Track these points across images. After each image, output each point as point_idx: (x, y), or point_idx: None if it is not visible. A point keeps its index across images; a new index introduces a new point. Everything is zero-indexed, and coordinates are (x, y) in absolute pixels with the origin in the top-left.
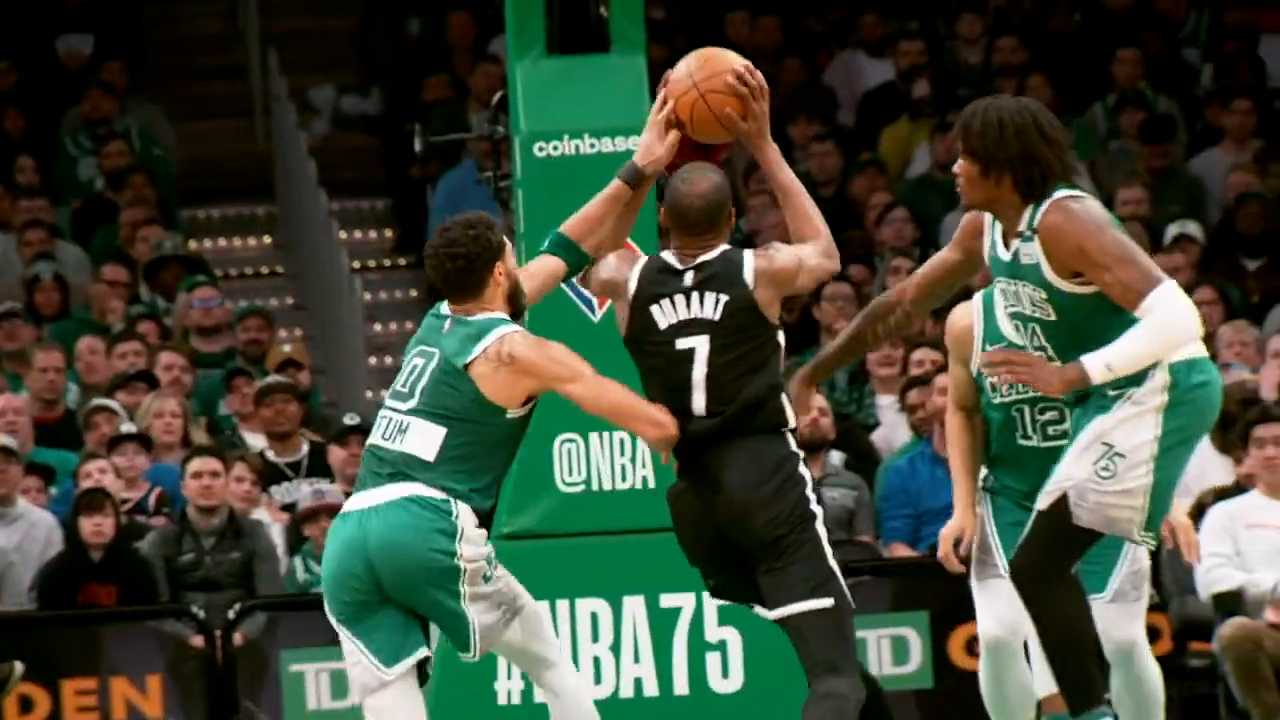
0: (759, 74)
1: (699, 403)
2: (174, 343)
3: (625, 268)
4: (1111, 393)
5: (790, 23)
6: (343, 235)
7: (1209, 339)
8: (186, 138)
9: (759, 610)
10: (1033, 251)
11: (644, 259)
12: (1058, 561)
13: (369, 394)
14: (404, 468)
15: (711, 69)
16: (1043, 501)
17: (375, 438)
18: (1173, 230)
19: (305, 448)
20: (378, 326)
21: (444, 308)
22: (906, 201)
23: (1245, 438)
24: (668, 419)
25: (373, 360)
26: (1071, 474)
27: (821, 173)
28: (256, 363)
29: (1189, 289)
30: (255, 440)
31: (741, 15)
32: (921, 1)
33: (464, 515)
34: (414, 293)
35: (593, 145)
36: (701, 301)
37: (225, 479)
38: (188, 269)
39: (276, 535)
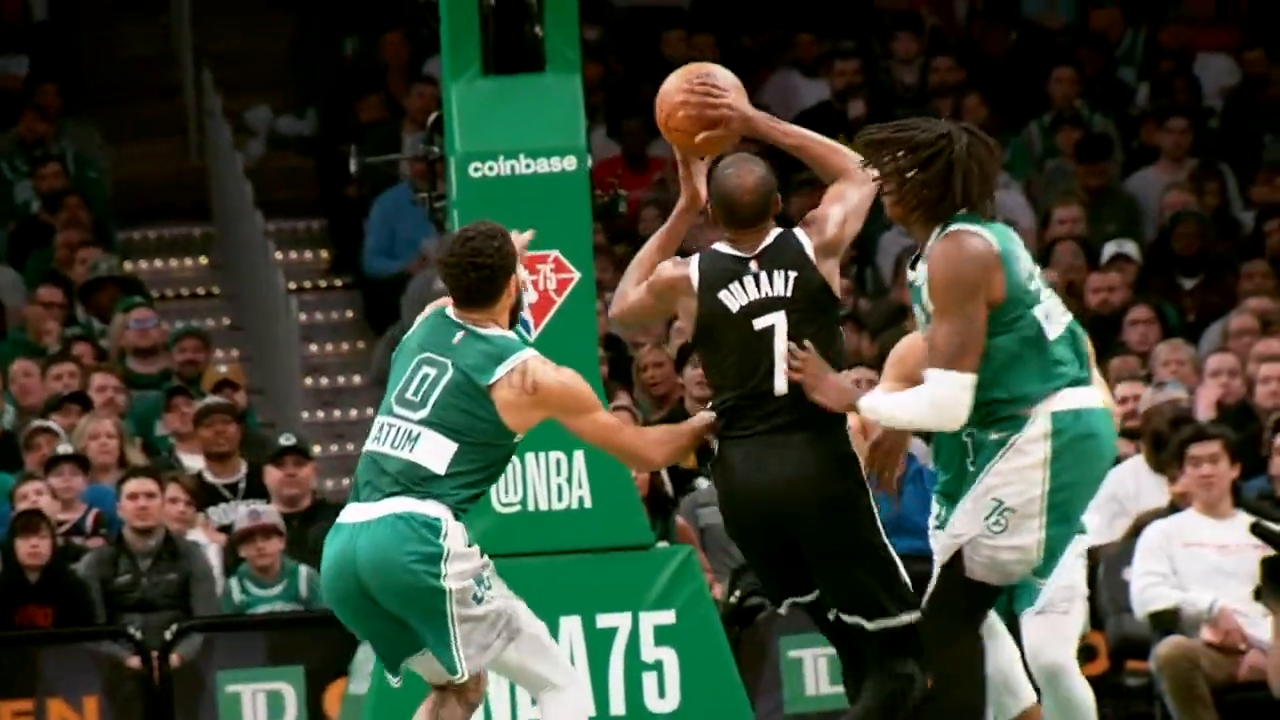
0: (699, 75)
1: (780, 384)
2: (108, 364)
3: (683, 266)
4: (994, 436)
5: (726, 42)
6: (278, 256)
7: (1145, 358)
8: (122, 159)
9: (798, 600)
10: (922, 276)
11: (697, 255)
12: (959, 616)
13: (305, 415)
14: (407, 479)
15: (664, 110)
16: (940, 556)
17: (380, 445)
18: (1109, 249)
19: (243, 469)
20: (314, 347)
21: (452, 313)
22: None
23: (1180, 456)
24: (674, 440)
25: (309, 381)
26: (964, 529)
27: None
28: (193, 383)
29: (1125, 308)
30: (193, 461)
31: (677, 34)
32: (857, 21)
33: (453, 535)
34: (350, 314)
35: (529, 166)
36: (771, 281)
37: (161, 500)
38: (124, 290)
39: (213, 556)
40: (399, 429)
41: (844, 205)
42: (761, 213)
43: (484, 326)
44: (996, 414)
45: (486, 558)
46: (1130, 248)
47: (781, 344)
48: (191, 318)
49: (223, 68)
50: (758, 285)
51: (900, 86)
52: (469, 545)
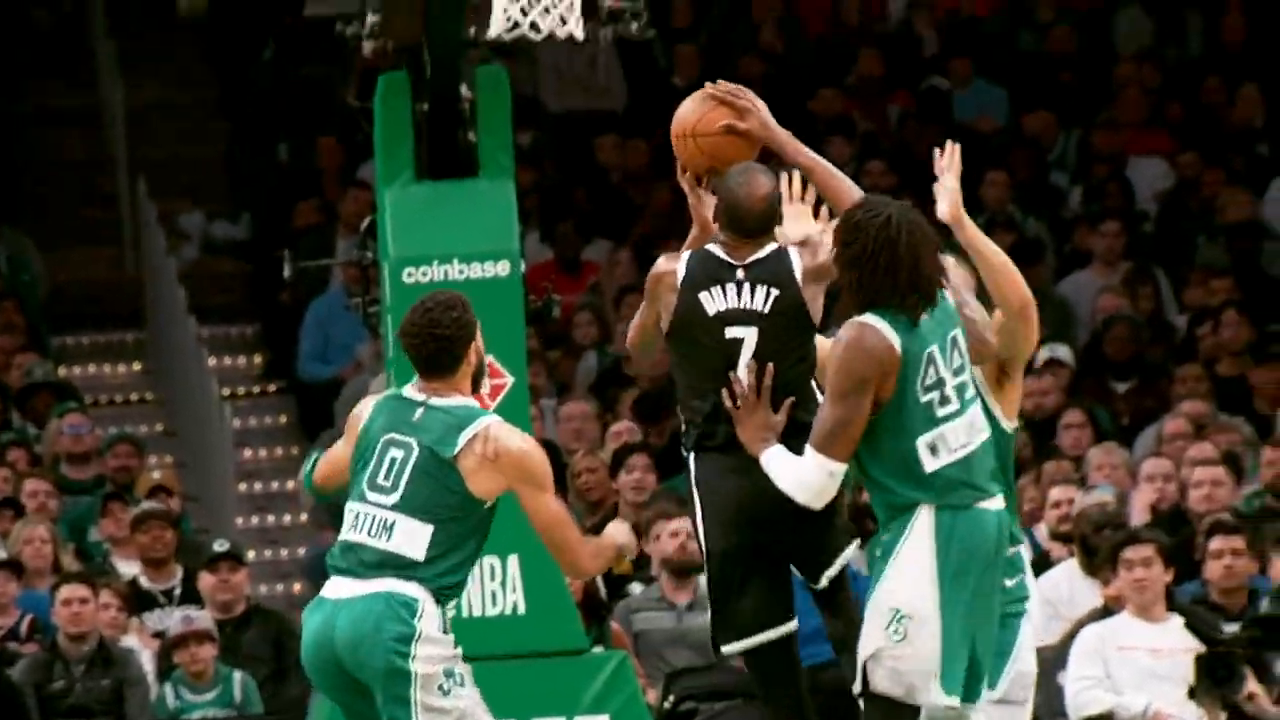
0: (723, 84)
1: (728, 400)
2: (41, 469)
3: (673, 261)
4: (884, 537)
5: (660, 147)
6: (212, 361)
7: (1079, 462)
8: (57, 264)
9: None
10: None
11: (689, 252)
12: None
13: (239, 520)
14: (389, 565)
15: (690, 118)
16: (855, 686)
17: (358, 534)
18: (1042, 354)
19: (179, 574)
20: (247, 452)
21: (409, 391)
22: None
23: (1114, 560)
24: (604, 555)
25: (242, 486)
26: (868, 645)
27: None
28: (127, 489)
29: (1058, 412)
30: (128, 567)
31: (611, 139)
32: (790, 125)
33: (428, 617)
34: (284, 419)
35: (462, 271)
36: (752, 294)
37: (95, 605)
38: (58, 396)
39: (147, 662)
40: (374, 517)
41: None
42: (767, 225)
43: (444, 396)
44: (887, 516)
45: (460, 650)
46: (1063, 352)
47: (745, 358)
48: (125, 423)
49: (157, 173)
50: (739, 294)
51: None
52: (444, 632)
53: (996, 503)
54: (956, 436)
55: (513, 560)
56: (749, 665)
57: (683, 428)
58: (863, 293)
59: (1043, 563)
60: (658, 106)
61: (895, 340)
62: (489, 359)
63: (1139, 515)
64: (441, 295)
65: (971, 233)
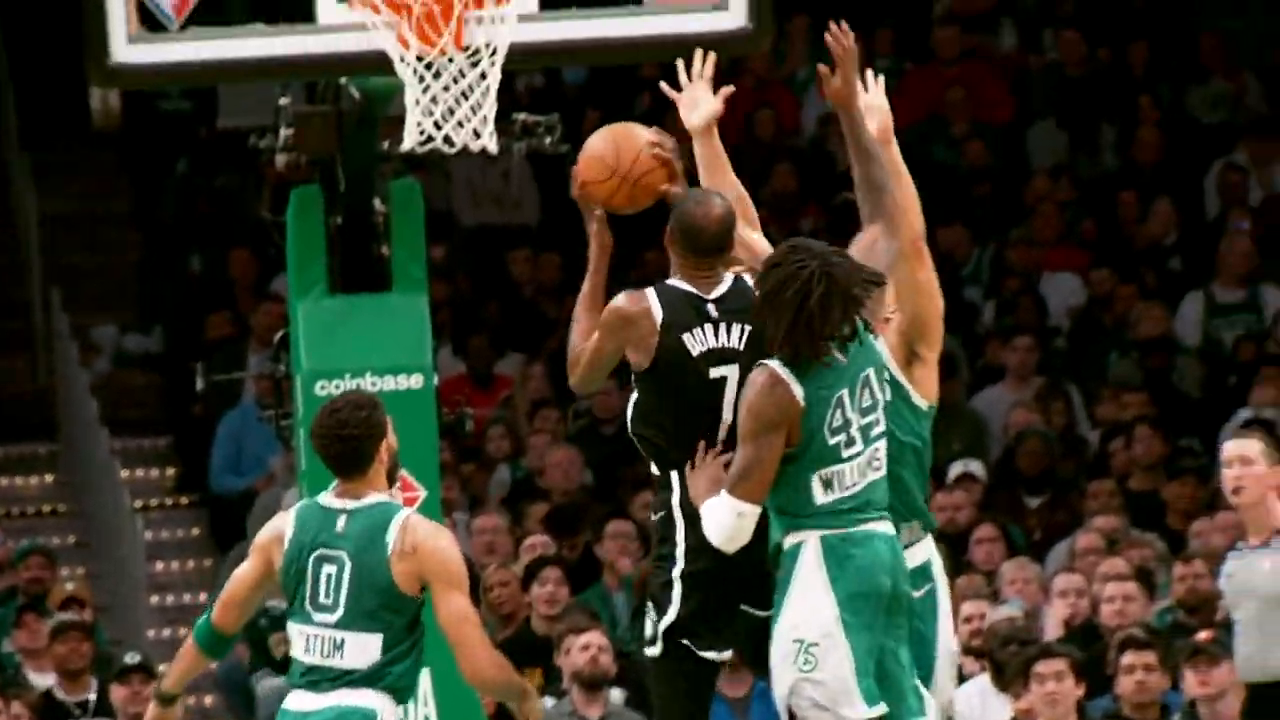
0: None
1: (725, 435)
2: None
3: (642, 301)
4: (779, 573)
5: (571, 261)
6: (125, 474)
7: (991, 576)
8: None
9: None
10: None
11: (653, 289)
12: None
13: (151, 633)
14: (346, 680)
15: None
16: None
17: (310, 657)
18: (955, 469)
19: (94, 686)
20: (159, 565)
21: (327, 500)
22: None
23: (1025, 674)
24: (510, 675)
25: (154, 598)
26: (782, 683)
27: (604, 409)
28: (39, 601)
29: (970, 527)
30: (41, 679)
31: (524, 253)
32: None
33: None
34: (196, 531)
35: (375, 384)
36: (729, 331)
37: (7, 717)
38: None
39: None
40: (323, 638)
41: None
42: (724, 243)
43: (361, 497)
44: (776, 550)
45: None
46: (976, 467)
47: (729, 396)
48: (38, 535)
49: (71, 285)
50: (717, 333)
51: None
52: None
53: (885, 526)
54: (853, 475)
55: (424, 675)
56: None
57: (651, 452)
58: (778, 336)
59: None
60: (571, 221)
61: (799, 392)
62: (402, 473)
63: (1051, 630)
64: (350, 396)
65: (896, 153)
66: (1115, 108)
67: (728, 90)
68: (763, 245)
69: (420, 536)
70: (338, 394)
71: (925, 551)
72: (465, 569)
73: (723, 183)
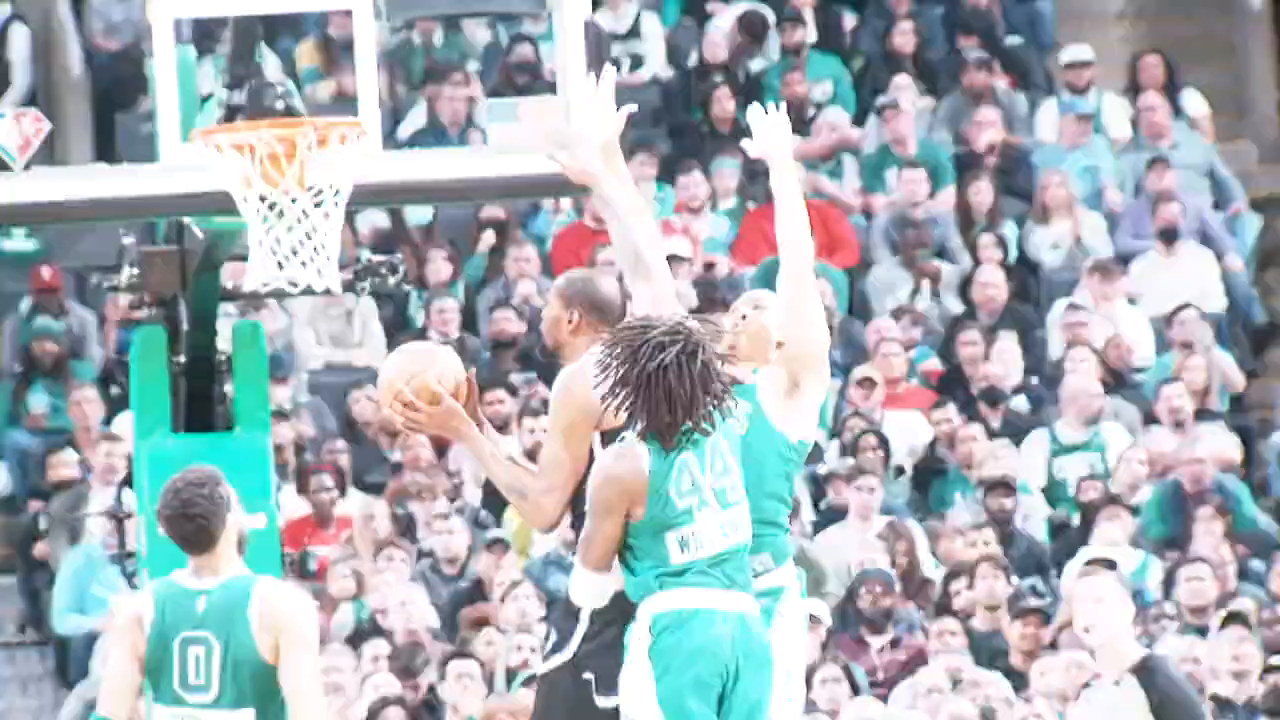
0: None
1: None
2: None
3: (632, 460)
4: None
5: None
6: None
7: (834, 717)
8: None
9: None
10: None
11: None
12: None
13: None
14: None
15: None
16: None
17: None
18: None
19: None
20: (3, 703)
21: (183, 579)
22: (533, 578)
23: None
24: None
25: None
26: None
27: (448, 550)
28: None
29: (813, 668)
30: None
31: (367, 392)
32: (546, 379)
33: None
34: (39, 670)
35: None
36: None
37: None
38: None
39: None
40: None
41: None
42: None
43: (217, 572)
44: (631, 610)
45: None
46: (818, 607)
47: None
48: None
49: None
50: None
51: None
52: None
53: (741, 602)
54: (708, 536)
55: None
56: None
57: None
58: (631, 415)
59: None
60: None
61: (647, 464)
62: None
63: None
64: (191, 474)
65: (789, 176)
66: (958, 248)
67: (630, 108)
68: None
69: (276, 604)
70: (172, 479)
71: (775, 580)
72: (316, 634)
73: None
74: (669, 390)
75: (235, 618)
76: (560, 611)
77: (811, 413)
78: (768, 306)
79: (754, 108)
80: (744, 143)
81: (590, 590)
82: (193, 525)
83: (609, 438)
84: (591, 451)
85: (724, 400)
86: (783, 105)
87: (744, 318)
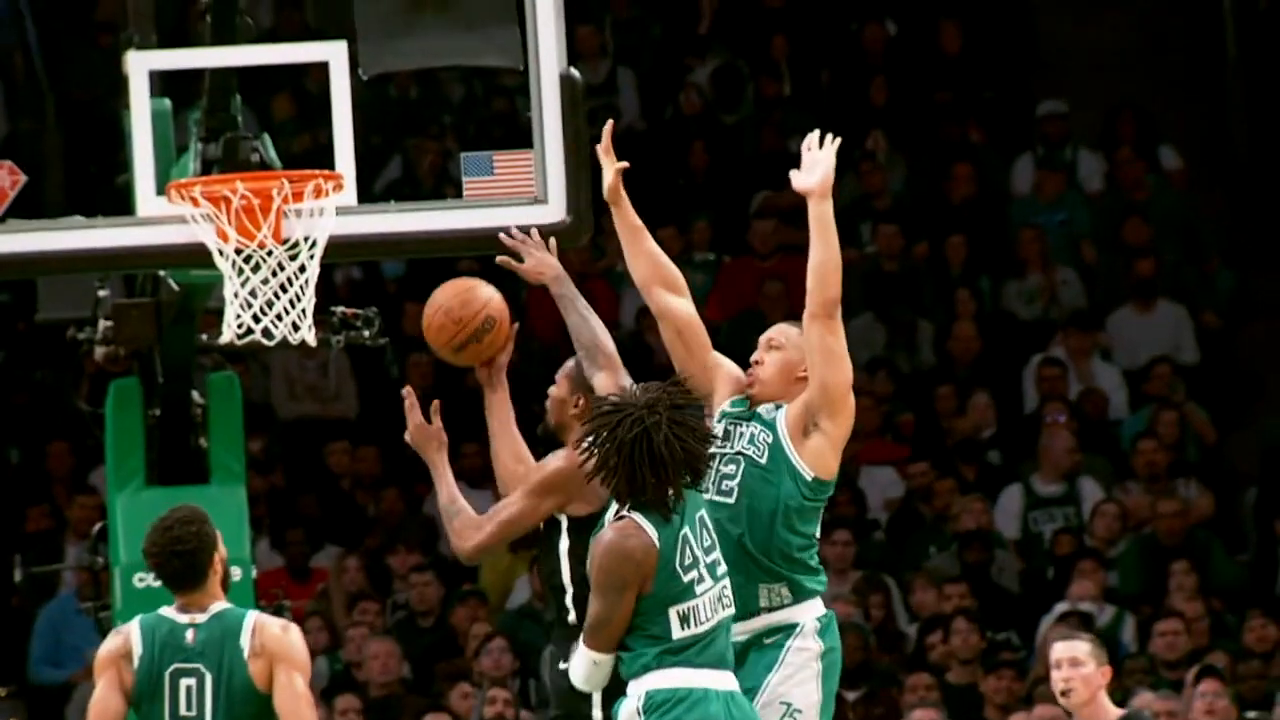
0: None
1: None
2: None
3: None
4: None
5: (391, 452)
6: None
7: None
8: None
9: None
10: None
11: (639, 522)
12: None
13: None
14: None
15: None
16: None
17: None
18: None
19: None
20: None
21: (171, 613)
22: (507, 631)
23: None
24: None
25: None
26: None
27: (422, 603)
28: None
29: None
30: None
31: (341, 445)
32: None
33: None
34: (13, 718)
35: None
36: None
37: None
38: None
39: None
40: None
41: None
42: None
43: (205, 607)
44: (624, 683)
45: None
46: None
47: None
48: None
49: None
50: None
51: None
52: None
53: (730, 681)
54: (706, 610)
55: None
56: None
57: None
58: (623, 491)
59: None
60: (389, 414)
61: (655, 536)
62: None
63: None
64: (179, 513)
65: (827, 212)
66: (933, 302)
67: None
68: (685, 310)
69: (270, 634)
70: (165, 512)
71: (792, 616)
72: (308, 657)
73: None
74: (656, 456)
75: (228, 648)
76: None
77: (832, 452)
78: (784, 345)
79: (810, 137)
80: (791, 174)
81: (599, 674)
82: (182, 562)
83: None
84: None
85: (708, 456)
86: (836, 141)
87: (759, 362)
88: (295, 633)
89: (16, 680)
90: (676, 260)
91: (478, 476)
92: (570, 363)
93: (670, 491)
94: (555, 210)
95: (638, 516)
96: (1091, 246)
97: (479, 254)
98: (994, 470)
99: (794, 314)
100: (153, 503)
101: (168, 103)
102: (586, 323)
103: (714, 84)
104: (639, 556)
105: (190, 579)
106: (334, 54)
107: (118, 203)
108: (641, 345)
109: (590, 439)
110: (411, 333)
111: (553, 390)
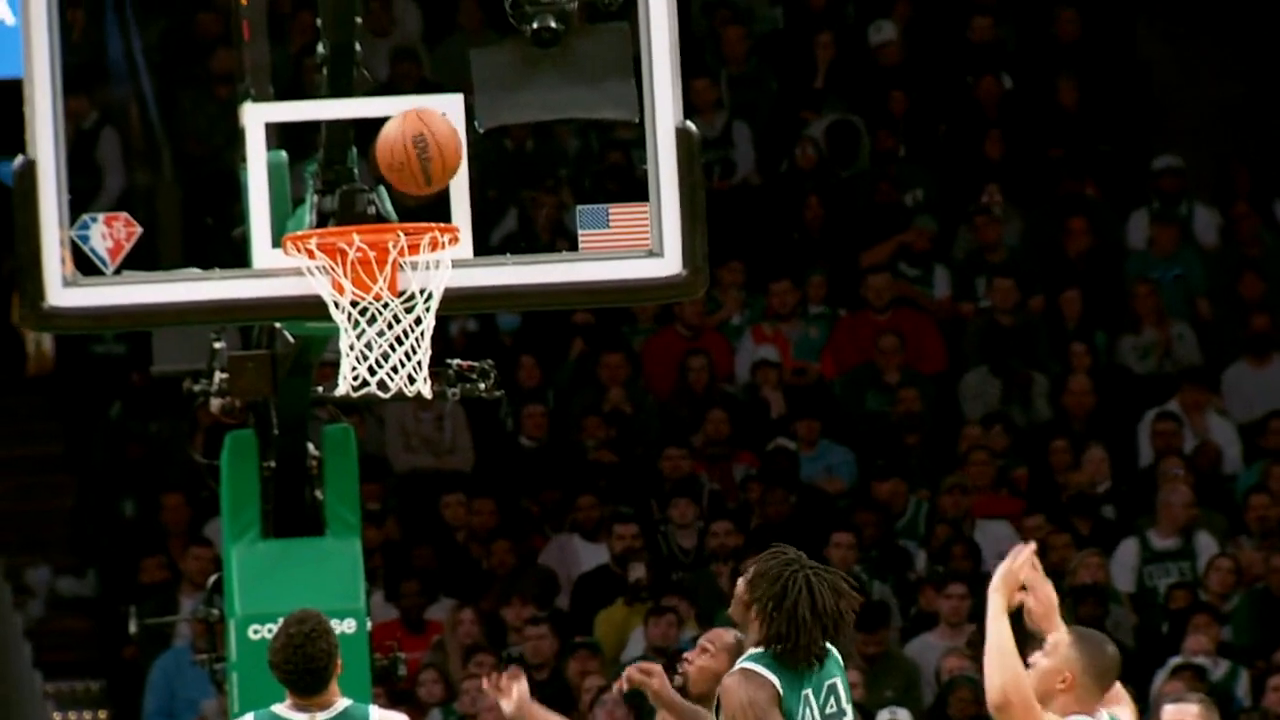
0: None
1: None
2: None
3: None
4: None
5: (506, 505)
6: (57, 717)
7: None
8: None
9: None
10: None
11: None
12: None
13: None
14: None
15: None
16: None
17: None
18: (883, 716)
19: None
20: None
21: (285, 712)
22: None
23: None
24: None
25: None
26: None
27: (536, 655)
28: None
29: None
30: None
31: (456, 497)
32: (635, 486)
33: None
34: None
35: None
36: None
37: None
38: None
39: None
40: None
41: None
42: None
43: (327, 706)
44: None
45: None
46: (904, 715)
47: None
48: None
49: (2, 528)
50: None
51: (679, 550)
52: None
53: None
54: None
55: None
56: None
57: None
58: (765, 638)
59: None
60: (504, 466)
61: (776, 681)
62: None
63: None
64: (305, 625)
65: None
66: (1048, 356)
67: None
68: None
69: None
70: (283, 622)
71: None
72: None
73: None
74: (815, 605)
75: None
76: None
77: None
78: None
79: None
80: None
81: None
82: (314, 677)
83: None
84: None
85: (851, 617)
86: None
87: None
88: None
89: None
90: (791, 314)
91: (593, 529)
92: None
93: (818, 639)
94: (671, 264)
95: (757, 667)
96: (1206, 301)
97: (595, 306)
98: (1108, 524)
99: (907, 367)
100: (268, 555)
101: (284, 155)
102: None
103: (829, 138)
104: (767, 689)
105: (319, 681)
106: (451, 106)
107: (234, 255)
108: (756, 399)
109: (758, 585)
110: (526, 384)
111: (736, 592)
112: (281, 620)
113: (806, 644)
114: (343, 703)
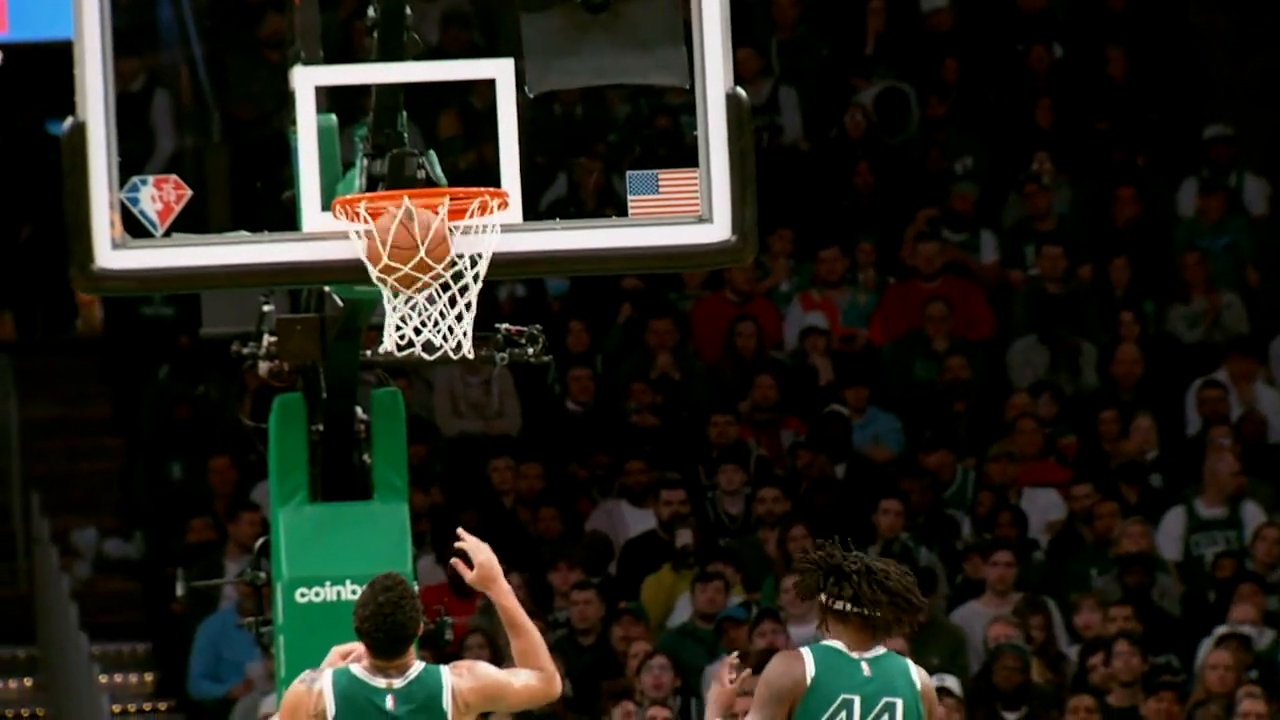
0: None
1: None
2: None
3: (799, 662)
4: None
5: (554, 470)
6: (103, 679)
7: None
8: None
9: None
10: None
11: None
12: None
13: None
14: None
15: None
16: None
17: None
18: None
19: None
20: None
21: (365, 675)
22: (668, 650)
23: None
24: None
25: None
26: None
27: (583, 620)
28: None
29: None
30: None
31: (505, 461)
32: (683, 452)
33: None
34: None
35: (354, 592)
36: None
37: None
38: None
39: None
40: None
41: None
42: None
43: (403, 672)
44: None
45: None
46: (951, 682)
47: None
48: None
49: (51, 490)
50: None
51: (726, 517)
52: None
53: None
54: None
55: None
56: None
57: None
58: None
59: None
60: (552, 431)
61: (811, 672)
62: None
63: None
64: (392, 590)
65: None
66: (1096, 324)
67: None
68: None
69: (465, 684)
70: (321, 611)
71: None
72: (493, 669)
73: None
74: (885, 576)
75: (433, 708)
76: None
77: None
78: None
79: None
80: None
81: None
82: (401, 643)
83: None
84: None
85: (915, 599)
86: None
87: None
88: (481, 666)
89: (176, 695)
90: (841, 281)
91: (640, 494)
92: None
93: (870, 615)
94: (720, 229)
95: (806, 651)
96: (1255, 270)
97: (643, 272)
98: (1156, 493)
99: (956, 334)
100: (315, 519)
101: (334, 119)
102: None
103: (879, 106)
104: (791, 678)
105: (404, 641)
106: (501, 71)
107: (283, 218)
108: (804, 366)
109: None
110: (574, 349)
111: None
112: (367, 584)
113: (873, 601)
114: (419, 665)
